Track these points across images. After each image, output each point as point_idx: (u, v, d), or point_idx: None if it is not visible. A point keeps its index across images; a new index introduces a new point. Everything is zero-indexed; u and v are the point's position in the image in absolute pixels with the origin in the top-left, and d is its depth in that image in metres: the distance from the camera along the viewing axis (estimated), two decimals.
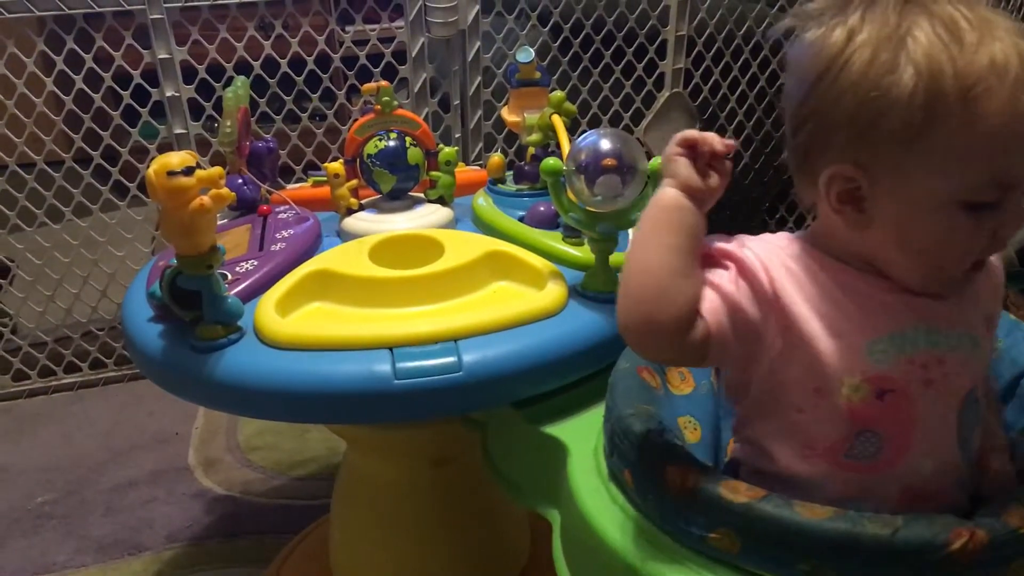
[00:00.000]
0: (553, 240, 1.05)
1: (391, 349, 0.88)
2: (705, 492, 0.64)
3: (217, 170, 0.84)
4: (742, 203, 2.23)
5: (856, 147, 0.63)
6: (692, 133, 0.67)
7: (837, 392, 0.66)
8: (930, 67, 0.60)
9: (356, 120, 1.17)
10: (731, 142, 0.68)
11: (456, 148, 1.20)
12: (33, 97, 1.73)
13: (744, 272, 0.67)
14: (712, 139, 0.67)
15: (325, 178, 1.18)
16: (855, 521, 0.60)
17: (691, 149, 0.68)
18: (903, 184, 0.63)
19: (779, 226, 2.30)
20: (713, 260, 0.69)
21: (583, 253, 1.01)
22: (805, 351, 0.66)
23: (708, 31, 2.01)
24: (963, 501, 0.70)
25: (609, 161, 0.88)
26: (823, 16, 0.65)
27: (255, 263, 1.02)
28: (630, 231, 1.05)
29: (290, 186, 1.35)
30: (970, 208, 0.62)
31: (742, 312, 0.66)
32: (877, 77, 0.61)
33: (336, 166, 1.15)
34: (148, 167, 0.83)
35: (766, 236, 0.71)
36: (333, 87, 1.90)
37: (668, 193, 0.68)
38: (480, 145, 1.96)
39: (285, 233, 1.10)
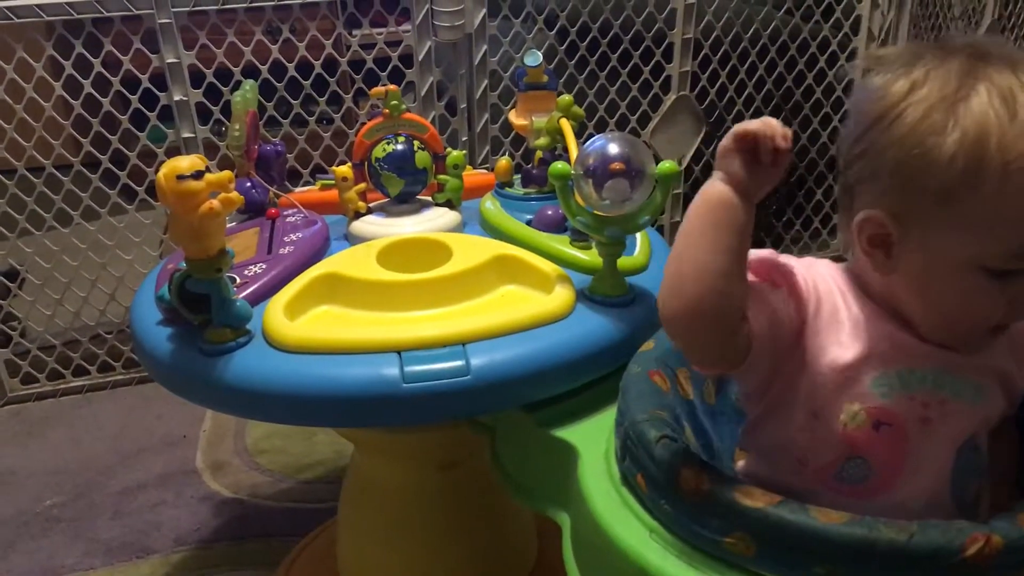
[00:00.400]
0: (561, 244, 1.05)
1: (399, 353, 0.88)
2: (720, 496, 0.65)
3: (226, 174, 0.84)
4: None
5: (893, 197, 0.65)
6: (752, 126, 0.63)
7: (836, 417, 0.68)
8: (977, 135, 0.61)
9: (364, 124, 1.18)
10: (788, 132, 0.64)
11: (464, 152, 1.21)
12: (42, 101, 1.73)
13: (795, 293, 0.69)
14: (775, 132, 0.63)
15: (333, 182, 1.18)
16: (871, 526, 0.60)
17: (750, 143, 0.64)
18: (931, 240, 0.65)
19: (786, 229, 2.30)
20: (767, 270, 0.70)
21: (591, 257, 1.01)
22: (814, 373, 0.69)
23: (715, 34, 2.01)
24: None
25: (617, 165, 0.89)
26: (894, 64, 0.66)
27: (263, 266, 1.03)
28: (637, 235, 1.06)
29: (298, 189, 1.35)
30: (992, 274, 0.64)
31: (784, 329, 0.69)
32: (924, 135, 0.62)
33: (344, 170, 1.15)
34: (157, 171, 0.83)
35: (813, 261, 0.73)
36: (340, 91, 1.90)
37: (719, 189, 0.65)
38: (487, 148, 1.96)
39: (293, 236, 1.10)
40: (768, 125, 0.63)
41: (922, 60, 0.65)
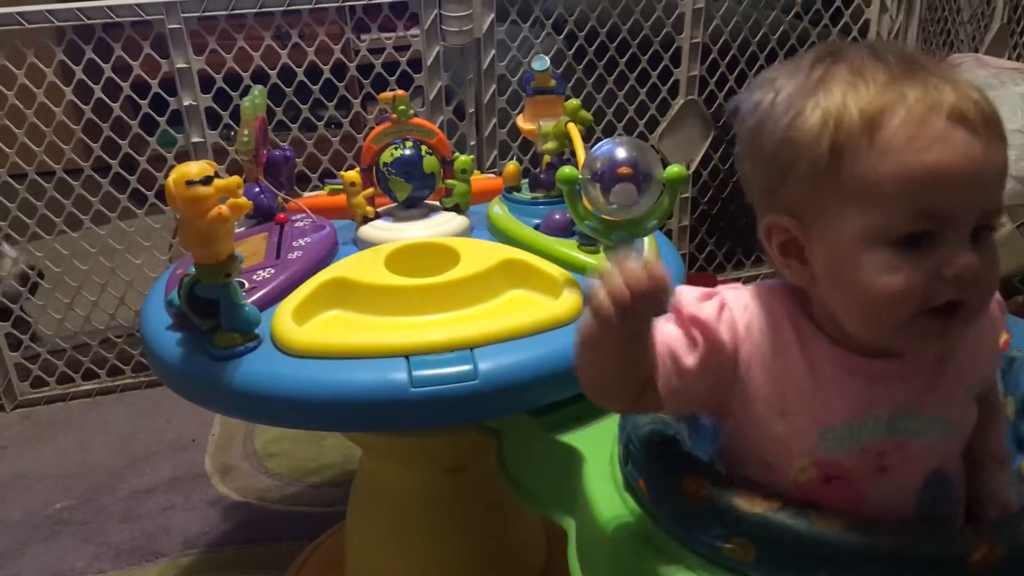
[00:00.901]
0: (568, 248, 1.05)
1: (407, 357, 0.88)
2: (721, 502, 0.64)
3: (235, 179, 0.84)
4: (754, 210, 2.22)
5: (781, 194, 0.64)
6: (595, 300, 0.62)
7: (785, 470, 0.66)
8: (836, 106, 0.60)
9: (372, 129, 1.18)
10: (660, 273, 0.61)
11: (471, 156, 1.21)
12: (52, 106, 1.74)
13: (713, 348, 0.66)
14: (612, 292, 0.61)
15: (341, 186, 1.18)
16: (872, 533, 0.60)
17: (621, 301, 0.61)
18: (827, 225, 0.62)
19: None
20: (685, 323, 0.67)
21: (598, 261, 1.02)
22: (759, 429, 0.67)
23: (723, 38, 2.01)
24: None
25: (625, 169, 0.89)
26: (760, 84, 0.67)
27: (272, 271, 1.03)
28: (645, 239, 1.06)
29: (306, 194, 1.36)
30: (898, 247, 0.60)
31: (716, 375, 0.66)
32: (789, 122, 0.62)
33: (352, 174, 1.16)
34: (166, 176, 0.83)
35: (752, 291, 0.69)
36: (349, 95, 1.90)
37: (587, 324, 0.64)
38: (495, 153, 1.96)
39: (302, 241, 1.10)
40: (605, 291, 0.61)
41: (782, 69, 0.66)
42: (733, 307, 0.67)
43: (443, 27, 1.81)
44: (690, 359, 0.66)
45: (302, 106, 1.85)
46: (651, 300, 0.61)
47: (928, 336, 0.62)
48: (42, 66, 1.70)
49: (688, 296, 0.68)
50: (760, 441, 0.67)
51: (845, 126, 0.60)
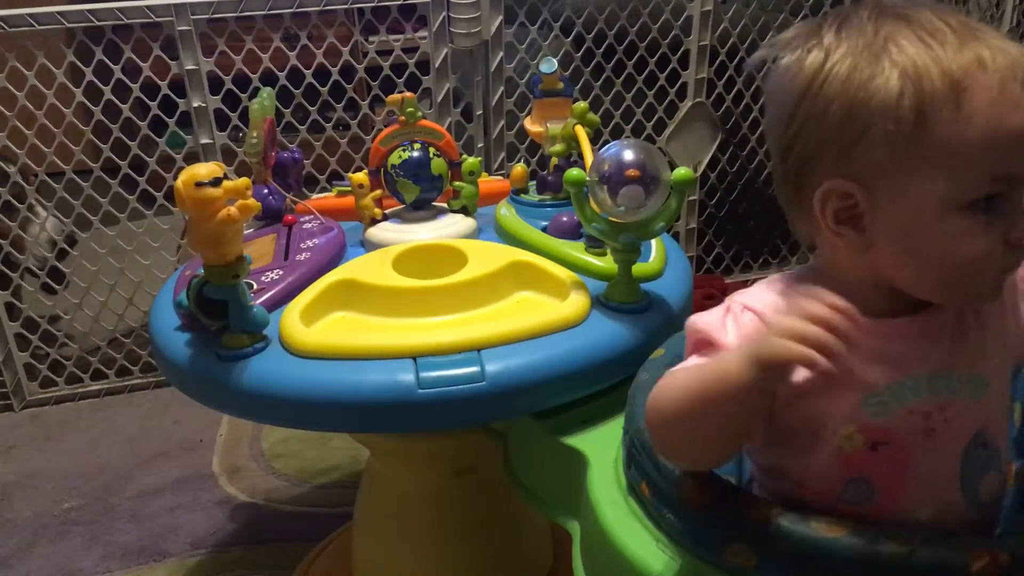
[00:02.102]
0: (576, 250, 1.05)
1: (414, 359, 0.89)
2: (722, 507, 0.64)
3: (244, 181, 0.85)
4: (765, 213, 2.22)
5: (848, 159, 0.62)
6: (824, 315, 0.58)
7: (831, 440, 0.66)
8: (916, 67, 0.60)
9: (380, 131, 1.18)
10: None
11: (479, 158, 1.21)
12: (62, 107, 1.75)
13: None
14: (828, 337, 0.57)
15: (349, 188, 1.19)
16: (873, 539, 0.59)
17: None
18: (901, 192, 0.62)
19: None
20: (709, 348, 0.66)
21: (606, 263, 1.02)
22: (805, 402, 0.66)
23: (731, 41, 2.01)
24: None
25: (632, 172, 0.89)
26: (796, 42, 0.65)
27: (280, 273, 1.03)
28: (652, 242, 1.06)
29: (315, 196, 1.36)
30: (974, 210, 0.60)
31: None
32: (862, 84, 0.61)
33: (360, 176, 1.16)
34: (175, 177, 0.84)
35: (762, 286, 0.69)
36: (357, 97, 1.91)
37: (745, 375, 0.59)
38: (503, 155, 1.97)
39: (310, 243, 1.11)
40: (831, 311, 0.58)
41: (825, 28, 0.64)
42: (750, 305, 0.67)
43: (451, 29, 1.81)
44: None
45: (310, 108, 1.86)
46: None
47: (991, 296, 0.64)
48: (52, 67, 1.71)
49: (712, 325, 0.67)
50: (805, 415, 0.66)
51: (927, 89, 0.59)
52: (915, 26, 0.61)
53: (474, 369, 0.87)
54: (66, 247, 1.91)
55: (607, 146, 0.92)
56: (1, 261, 1.83)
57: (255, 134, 1.17)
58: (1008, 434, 0.72)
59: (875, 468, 0.65)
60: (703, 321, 0.68)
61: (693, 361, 0.68)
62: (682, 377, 0.65)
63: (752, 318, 0.66)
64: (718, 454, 0.66)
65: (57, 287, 1.92)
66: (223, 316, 0.90)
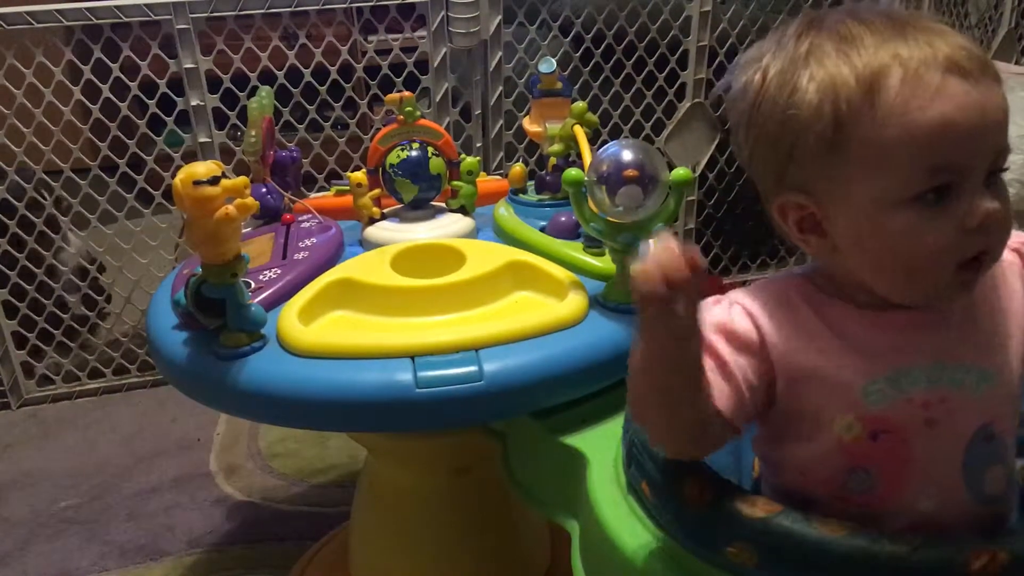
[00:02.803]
0: (574, 250, 1.06)
1: (412, 358, 0.88)
2: (723, 506, 0.64)
3: (242, 180, 0.85)
4: (763, 213, 2.22)
5: (791, 173, 0.64)
6: (643, 285, 0.57)
7: (831, 429, 0.66)
8: (832, 77, 0.61)
9: (379, 130, 1.18)
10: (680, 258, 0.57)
11: (478, 158, 1.21)
12: (60, 105, 1.75)
13: (740, 346, 0.66)
14: (668, 272, 0.57)
15: (348, 187, 1.19)
16: (873, 538, 0.59)
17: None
18: (844, 196, 0.63)
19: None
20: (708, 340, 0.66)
21: (604, 263, 1.02)
22: (804, 391, 0.66)
23: (730, 41, 2.01)
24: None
25: (631, 172, 0.89)
26: (745, 64, 0.67)
27: (278, 271, 1.03)
28: (651, 241, 1.05)
29: (313, 195, 1.36)
30: (922, 204, 0.60)
31: (750, 383, 0.66)
32: (786, 101, 0.63)
33: (359, 176, 1.16)
34: (173, 175, 0.84)
35: (758, 285, 0.70)
36: (355, 96, 1.91)
37: (648, 347, 0.61)
38: (501, 155, 1.96)
39: (308, 242, 1.11)
40: (654, 270, 0.57)
41: (764, 47, 0.66)
42: (742, 302, 0.68)
43: (450, 29, 1.81)
44: (730, 373, 0.66)
45: (309, 107, 1.86)
46: (692, 283, 0.57)
47: (961, 289, 0.63)
48: (50, 65, 1.71)
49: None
50: (801, 409, 0.66)
51: (844, 95, 0.60)
52: (835, 36, 0.62)
53: (472, 369, 0.87)
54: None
55: (605, 146, 0.92)
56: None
57: (253, 133, 1.17)
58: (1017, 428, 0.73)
59: (876, 458, 0.65)
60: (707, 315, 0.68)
61: None
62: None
63: (740, 311, 0.68)
64: (683, 431, 0.65)
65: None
66: (221, 315, 0.90)
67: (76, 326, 1.90)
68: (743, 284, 0.73)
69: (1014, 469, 0.70)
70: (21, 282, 1.82)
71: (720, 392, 0.65)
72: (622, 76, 1.99)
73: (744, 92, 0.66)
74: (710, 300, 0.69)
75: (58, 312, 1.88)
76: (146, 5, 1.67)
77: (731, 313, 0.68)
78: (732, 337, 0.67)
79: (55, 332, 1.88)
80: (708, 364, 0.65)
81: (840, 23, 0.63)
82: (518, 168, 1.23)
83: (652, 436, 0.67)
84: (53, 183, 1.82)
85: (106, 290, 1.95)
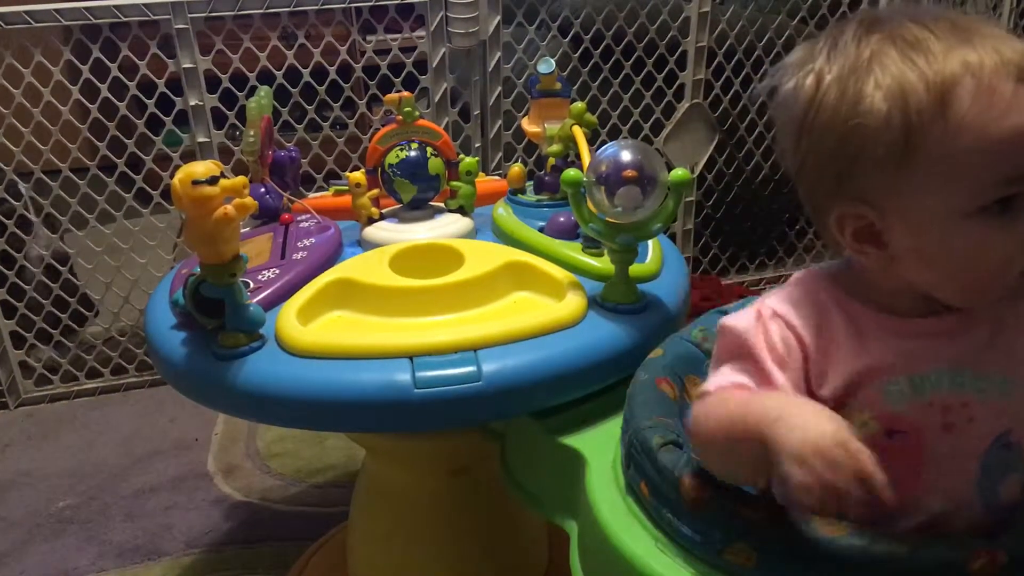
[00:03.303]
0: (573, 251, 1.05)
1: (411, 358, 0.88)
2: (721, 506, 0.64)
3: (241, 179, 0.85)
4: (763, 215, 2.22)
5: (852, 183, 0.63)
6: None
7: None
8: (900, 85, 0.59)
9: (378, 130, 1.18)
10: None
11: (476, 158, 1.21)
12: (59, 105, 1.75)
13: (785, 365, 0.66)
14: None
15: (346, 187, 1.18)
16: (873, 539, 0.59)
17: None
18: (908, 208, 0.62)
19: (799, 237, 2.29)
20: (747, 360, 0.66)
21: (603, 264, 1.02)
22: (825, 389, 0.66)
23: (728, 42, 2.01)
24: None
25: (630, 172, 0.89)
26: (794, 68, 0.65)
27: (277, 271, 1.03)
28: (649, 242, 1.06)
29: (312, 195, 1.36)
30: (988, 214, 0.60)
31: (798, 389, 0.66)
32: (850, 109, 0.61)
33: (357, 176, 1.16)
34: (172, 175, 0.84)
35: (791, 286, 0.70)
36: (354, 96, 1.91)
37: (765, 465, 0.59)
38: (500, 155, 1.96)
39: (307, 242, 1.10)
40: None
41: (817, 50, 0.64)
42: (781, 312, 0.67)
43: (449, 29, 1.81)
44: (779, 378, 0.65)
45: (308, 107, 1.86)
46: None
47: (1020, 294, 0.63)
48: (49, 65, 1.71)
49: (749, 333, 0.67)
50: (824, 399, 0.66)
51: (914, 104, 0.59)
52: (899, 41, 0.61)
53: (471, 369, 0.87)
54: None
55: (604, 147, 0.92)
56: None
57: (252, 133, 1.17)
58: None
59: (890, 456, 0.64)
60: (739, 327, 0.68)
61: (727, 375, 0.67)
62: (719, 411, 0.65)
63: (782, 325, 0.66)
64: (756, 478, 0.65)
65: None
66: (219, 315, 0.90)
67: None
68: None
69: None
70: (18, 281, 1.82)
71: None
72: (621, 76, 1.99)
73: (795, 98, 0.64)
74: (750, 318, 0.68)
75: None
76: (145, 5, 1.67)
77: (771, 329, 0.67)
78: (780, 361, 0.66)
79: (53, 331, 1.88)
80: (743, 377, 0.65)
81: (901, 26, 0.61)
82: (517, 168, 1.23)
83: (720, 476, 0.66)
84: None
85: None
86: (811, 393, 0.66)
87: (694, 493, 0.66)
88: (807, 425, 0.57)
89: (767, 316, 0.67)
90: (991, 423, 0.65)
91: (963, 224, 0.60)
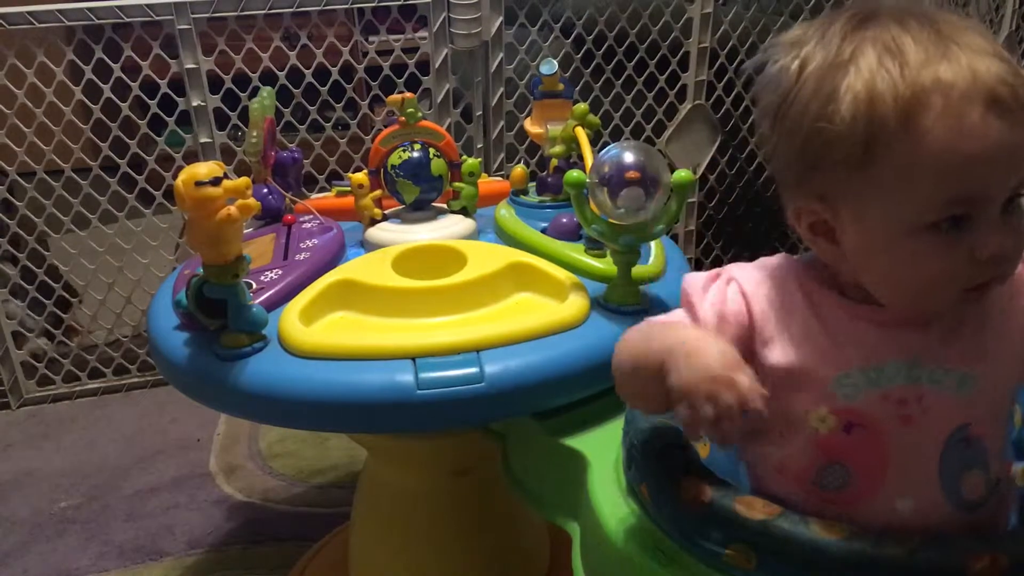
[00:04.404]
0: (575, 252, 1.05)
1: (413, 359, 0.88)
2: (720, 507, 0.64)
3: (244, 180, 0.85)
4: (763, 215, 2.22)
5: (813, 179, 0.64)
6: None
7: (804, 421, 0.66)
8: (869, 93, 0.59)
9: (380, 131, 1.18)
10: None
11: (479, 159, 1.21)
12: (62, 105, 1.75)
13: (728, 330, 0.67)
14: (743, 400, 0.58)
15: (349, 188, 1.19)
16: (873, 541, 0.59)
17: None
18: (862, 213, 0.62)
19: (801, 239, 2.29)
20: (693, 307, 0.69)
21: (605, 265, 1.02)
22: (776, 378, 0.66)
23: (731, 43, 2.01)
24: None
25: (632, 174, 0.89)
26: (786, 46, 0.65)
27: (279, 272, 1.03)
28: (652, 244, 1.06)
29: (314, 196, 1.36)
30: (936, 230, 0.60)
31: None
32: (820, 108, 0.61)
33: (360, 177, 1.16)
34: (174, 175, 0.84)
35: (759, 262, 0.71)
36: (357, 97, 1.91)
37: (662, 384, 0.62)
38: (502, 156, 1.96)
39: (309, 243, 1.11)
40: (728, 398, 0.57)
41: (810, 33, 0.64)
42: (739, 278, 0.69)
43: (452, 30, 1.81)
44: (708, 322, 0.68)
45: (310, 107, 1.86)
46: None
47: (963, 306, 0.64)
48: (52, 65, 1.71)
49: (695, 286, 0.69)
50: (777, 394, 0.65)
51: (879, 115, 0.59)
52: (879, 44, 0.60)
53: (473, 370, 0.87)
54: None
55: (607, 148, 0.92)
56: None
57: (255, 133, 1.17)
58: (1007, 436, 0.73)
59: (851, 452, 0.65)
60: (694, 278, 0.70)
61: (669, 317, 0.71)
62: (638, 336, 0.69)
63: (735, 290, 0.68)
64: (656, 408, 0.67)
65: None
66: (222, 315, 0.90)
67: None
68: None
69: (1000, 478, 0.70)
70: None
71: None
72: (623, 78, 1.98)
73: (778, 80, 0.65)
74: (707, 275, 0.70)
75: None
76: (147, 5, 1.67)
77: (722, 288, 0.69)
78: (720, 316, 0.67)
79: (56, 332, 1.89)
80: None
81: (886, 28, 0.61)
82: (519, 169, 1.23)
83: (627, 402, 0.72)
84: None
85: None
86: (752, 359, 0.66)
87: (694, 495, 0.66)
88: (695, 361, 0.60)
89: (723, 277, 0.70)
90: (948, 414, 0.65)
91: (910, 236, 0.61)
